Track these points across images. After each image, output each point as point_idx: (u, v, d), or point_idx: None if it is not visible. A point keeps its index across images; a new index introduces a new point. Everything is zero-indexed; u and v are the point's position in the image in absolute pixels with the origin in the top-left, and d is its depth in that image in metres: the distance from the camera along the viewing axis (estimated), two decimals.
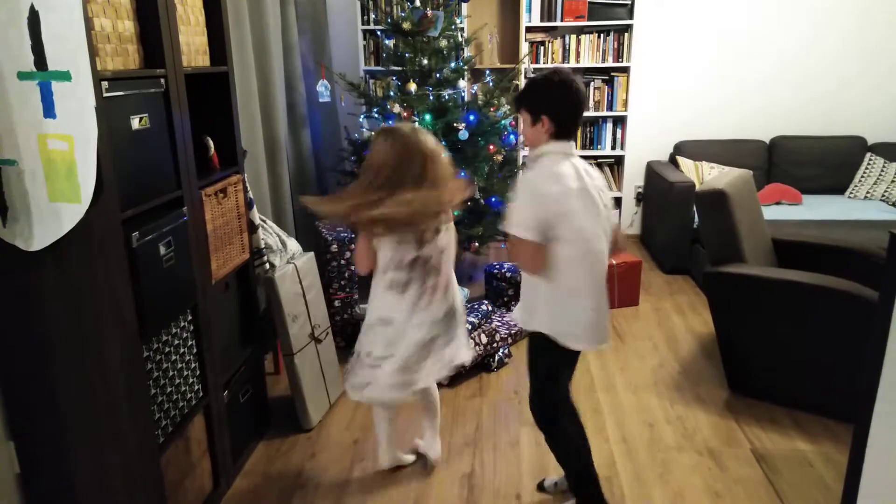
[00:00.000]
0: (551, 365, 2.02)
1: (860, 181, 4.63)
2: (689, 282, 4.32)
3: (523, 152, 4.64)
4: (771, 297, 2.67)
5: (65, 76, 1.47)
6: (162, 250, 1.80)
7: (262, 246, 2.62)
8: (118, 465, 1.78)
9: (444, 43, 3.55)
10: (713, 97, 4.95)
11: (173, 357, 1.95)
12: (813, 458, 2.46)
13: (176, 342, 1.96)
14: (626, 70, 4.78)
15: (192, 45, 2.07)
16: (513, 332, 3.32)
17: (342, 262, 3.32)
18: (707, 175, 4.57)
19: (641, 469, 2.43)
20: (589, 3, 4.64)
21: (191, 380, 2.05)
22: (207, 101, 2.25)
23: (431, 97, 3.51)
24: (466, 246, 3.63)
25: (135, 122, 1.72)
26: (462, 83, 3.66)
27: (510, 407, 2.85)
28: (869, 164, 4.63)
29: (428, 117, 3.42)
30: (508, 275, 3.70)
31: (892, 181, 4.51)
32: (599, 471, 2.36)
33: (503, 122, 3.70)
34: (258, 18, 3.32)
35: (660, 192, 4.56)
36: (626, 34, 4.70)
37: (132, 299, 1.68)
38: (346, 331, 3.37)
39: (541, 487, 2.33)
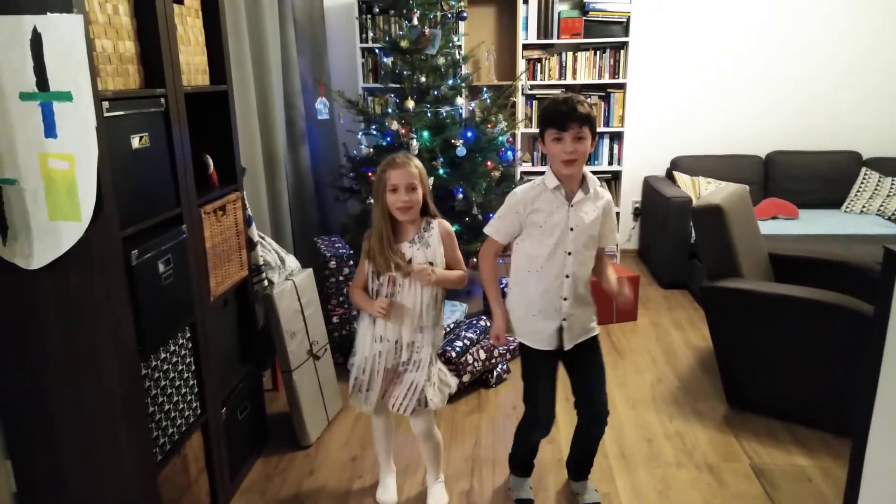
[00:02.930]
0: None
1: (856, 196, 4.65)
2: (686, 296, 4.33)
3: (521, 168, 4.67)
4: (768, 312, 2.68)
5: (66, 96, 1.49)
6: (161, 268, 1.81)
7: (261, 263, 2.63)
8: (115, 483, 1.77)
9: (441, 60, 3.59)
10: (709, 113, 5.00)
11: (171, 374, 1.95)
12: (812, 473, 2.45)
13: (174, 359, 1.96)
14: (622, 87, 4.82)
15: (192, 65, 2.09)
16: (511, 347, 3.32)
17: (340, 278, 3.32)
18: (704, 190, 4.60)
19: (640, 485, 2.42)
20: (585, 20, 4.69)
21: (189, 397, 2.05)
22: (207, 120, 2.26)
23: (429, 114, 3.53)
24: (465, 262, 3.64)
25: (135, 141, 1.74)
26: (460, 100, 3.69)
27: (509, 423, 2.84)
28: (864, 178, 4.66)
29: (426, 134, 3.45)
30: (506, 290, 3.69)
31: (888, 195, 4.54)
32: (598, 486, 2.40)
33: (500, 138, 3.72)
34: (257, 37, 3.36)
35: (657, 208, 4.58)
36: (622, 51, 4.75)
37: (131, 317, 1.68)
38: (344, 347, 3.37)
39: None
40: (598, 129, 4.83)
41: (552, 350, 2.12)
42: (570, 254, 2.03)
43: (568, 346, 2.11)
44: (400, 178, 2.02)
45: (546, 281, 2.07)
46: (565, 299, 2.07)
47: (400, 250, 2.08)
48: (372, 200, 3.57)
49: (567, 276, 2.05)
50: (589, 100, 4.84)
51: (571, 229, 2.02)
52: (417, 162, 2.08)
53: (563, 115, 1.93)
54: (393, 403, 2.16)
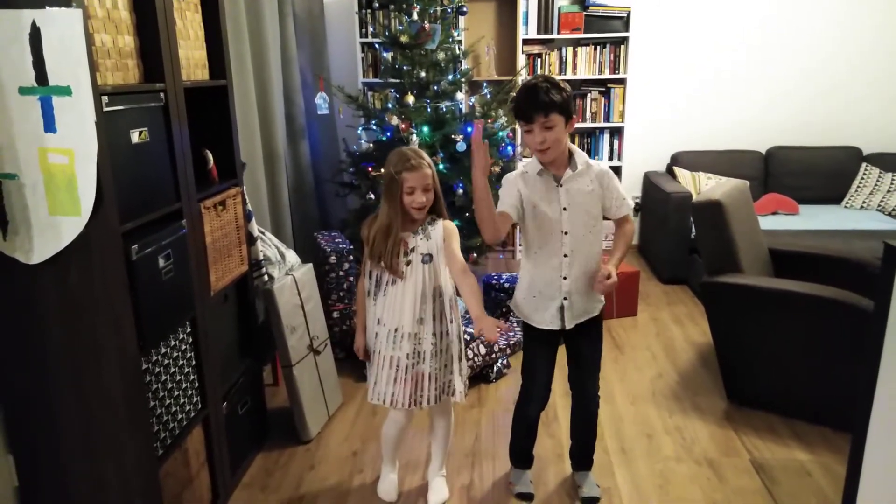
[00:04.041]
0: None
1: (856, 191, 4.65)
2: (686, 292, 4.33)
3: (521, 163, 4.66)
4: (768, 307, 2.68)
5: (65, 91, 1.49)
6: (161, 263, 1.81)
7: (261, 258, 2.63)
8: (117, 477, 1.78)
9: (441, 55, 3.58)
10: (709, 108, 4.99)
11: (172, 369, 1.95)
12: (811, 468, 2.46)
13: (175, 354, 1.97)
14: (622, 82, 4.82)
15: (192, 60, 2.09)
16: (511, 342, 3.32)
17: (341, 273, 3.32)
18: (704, 186, 4.59)
19: (640, 480, 2.43)
20: (585, 15, 4.68)
21: (189, 392, 2.05)
22: (206, 115, 2.26)
23: (429, 109, 3.53)
24: (465, 257, 3.65)
25: (134, 136, 1.74)
26: (460, 95, 3.68)
27: (509, 418, 2.82)
28: (865, 174, 4.66)
29: (426, 129, 3.44)
30: (507, 285, 3.70)
31: (888, 191, 4.53)
32: (598, 480, 2.40)
33: (500, 133, 3.72)
34: (257, 32, 3.35)
35: (657, 203, 4.58)
36: (622, 46, 4.74)
37: (131, 312, 1.68)
38: (344, 342, 3.37)
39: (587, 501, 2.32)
40: (599, 125, 4.89)
41: (554, 329, 2.15)
42: (566, 233, 2.05)
43: (569, 325, 2.13)
44: (417, 180, 2.04)
45: (546, 262, 2.09)
46: (565, 278, 2.09)
47: (405, 240, 2.10)
48: (372, 195, 3.59)
49: (566, 256, 2.07)
50: (591, 94, 4.84)
51: (564, 209, 2.04)
52: (428, 159, 2.10)
53: (525, 108, 1.96)
54: (419, 401, 2.15)
